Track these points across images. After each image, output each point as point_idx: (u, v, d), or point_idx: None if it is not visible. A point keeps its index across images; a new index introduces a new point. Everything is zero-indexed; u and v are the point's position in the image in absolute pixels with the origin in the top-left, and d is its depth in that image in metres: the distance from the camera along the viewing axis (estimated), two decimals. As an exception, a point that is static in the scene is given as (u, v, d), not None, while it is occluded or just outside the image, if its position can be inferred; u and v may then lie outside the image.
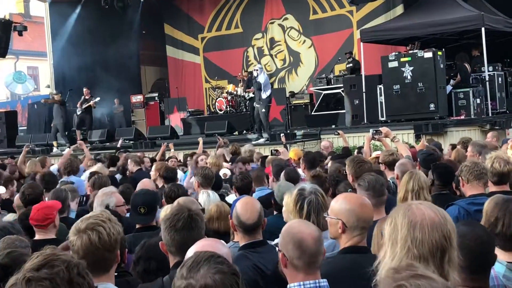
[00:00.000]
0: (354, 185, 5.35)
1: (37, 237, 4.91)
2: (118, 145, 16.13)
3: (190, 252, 2.82)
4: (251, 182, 6.68)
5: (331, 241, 3.84)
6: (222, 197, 6.41)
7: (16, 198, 6.66)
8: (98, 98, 21.06)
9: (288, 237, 3.14)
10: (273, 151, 11.34)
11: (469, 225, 3.03)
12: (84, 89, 21.13)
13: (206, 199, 5.29)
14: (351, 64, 19.88)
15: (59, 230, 5.08)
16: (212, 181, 6.66)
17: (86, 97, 21.01)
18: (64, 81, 23.94)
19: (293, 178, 6.25)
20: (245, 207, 4.07)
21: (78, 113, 21.25)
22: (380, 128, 8.05)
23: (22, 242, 4.15)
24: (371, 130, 8.29)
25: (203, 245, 2.94)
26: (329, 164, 8.13)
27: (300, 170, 7.57)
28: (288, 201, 4.69)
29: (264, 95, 16.66)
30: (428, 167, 6.11)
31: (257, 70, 17.14)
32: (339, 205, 3.55)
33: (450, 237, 2.38)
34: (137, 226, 5.24)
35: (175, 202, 4.60)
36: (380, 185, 4.74)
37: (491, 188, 5.02)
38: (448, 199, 5.03)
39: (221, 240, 3.29)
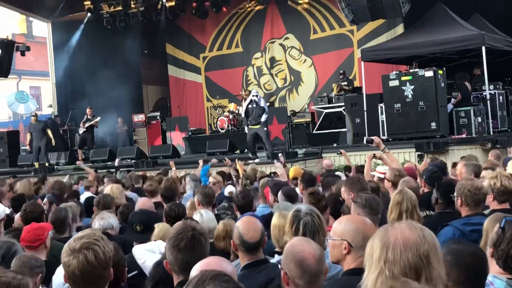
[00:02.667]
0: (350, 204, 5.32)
1: None
2: (116, 164, 16.10)
3: (195, 270, 2.81)
4: (252, 200, 6.67)
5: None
6: (219, 217, 6.39)
7: (17, 217, 6.65)
8: (99, 118, 21.12)
9: (290, 255, 3.14)
10: (271, 173, 11.29)
11: (460, 243, 3.07)
12: (87, 109, 21.20)
13: (199, 219, 5.27)
14: (345, 83, 20.03)
15: (58, 250, 5.05)
16: (212, 200, 6.65)
17: (89, 117, 21.08)
18: (66, 100, 24.03)
19: (291, 197, 6.22)
20: (247, 226, 4.07)
21: (80, 132, 21.28)
22: (372, 137, 8.10)
23: (37, 261, 4.18)
24: (364, 139, 8.37)
25: (208, 263, 2.92)
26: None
27: (298, 190, 7.55)
28: (275, 223, 4.67)
29: (264, 118, 16.79)
30: (433, 185, 6.10)
31: (255, 95, 17.16)
32: (343, 226, 3.50)
33: (428, 256, 2.34)
34: (134, 244, 5.24)
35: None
36: (377, 203, 4.73)
37: (493, 205, 4.98)
38: (451, 218, 5.00)
39: (226, 259, 3.28)
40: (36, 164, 20.25)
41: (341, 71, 20.98)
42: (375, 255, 2.38)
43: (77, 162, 18.86)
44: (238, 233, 4.04)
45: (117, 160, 16.87)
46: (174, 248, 3.41)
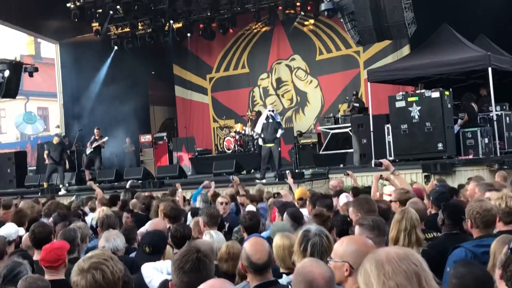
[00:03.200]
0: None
1: (46, 277, 4.87)
2: (127, 186, 16.14)
3: None
4: (259, 221, 6.66)
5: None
6: (228, 238, 6.39)
7: (25, 238, 6.66)
8: (106, 138, 21.20)
9: (300, 276, 3.13)
10: (275, 194, 11.28)
11: (467, 266, 3.03)
12: (95, 130, 21.29)
13: (210, 240, 5.27)
14: (357, 104, 20.02)
15: (68, 270, 5.08)
16: (217, 221, 6.64)
17: (96, 137, 21.17)
18: (74, 121, 24.14)
19: (296, 218, 6.21)
20: (254, 247, 4.05)
21: (88, 152, 21.35)
22: (381, 160, 8.05)
23: (44, 282, 4.18)
24: (372, 162, 8.34)
25: (212, 285, 2.93)
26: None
27: (305, 210, 7.54)
28: (279, 244, 4.67)
29: (280, 134, 16.94)
30: (441, 206, 6.08)
31: (271, 110, 17.32)
32: (344, 247, 3.47)
33: (421, 263, 2.40)
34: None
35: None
36: (384, 225, 4.70)
37: (500, 227, 4.94)
38: (459, 239, 4.97)
39: (230, 281, 3.28)
40: (45, 184, 20.32)
41: (354, 92, 21.02)
42: (372, 275, 2.39)
43: (88, 183, 18.92)
44: (246, 254, 4.02)
45: (129, 182, 16.90)
46: (179, 270, 3.42)
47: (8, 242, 6.39)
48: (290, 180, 12.08)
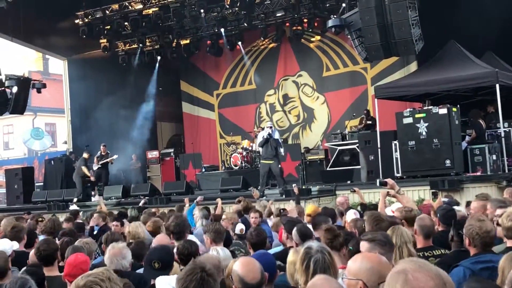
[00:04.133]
0: None
1: None
2: (140, 205, 16.11)
3: None
4: (266, 238, 6.63)
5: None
6: (234, 254, 6.36)
7: (31, 254, 6.64)
8: (116, 156, 21.29)
9: (310, 294, 3.10)
10: (280, 210, 11.22)
11: (480, 282, 3.00)
12: (102, 146, 21.38)
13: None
14: (370, 122, 19.96)
15: None
16: (223, 237, 6.62)
17: (103, 153, 21.25)
18: (81, 137, 24.22)
19: (305, 235, 6.18)
20: (246, 267, 3.97)
21: (95, 168, 21.41)
22: (386, 179, 8.02)
23: None
24: (377, 181, 8.30)
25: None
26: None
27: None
28: (290, 260, 4.68)
29: (282, 151, 16.93)
30: (448, 223, 6.04)
31: (270, 127, 17.32)
32: (358, 265, 3.41)
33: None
34: (152, 282, 5.20)
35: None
36: (391, 238, 4.71)
37: (509, 243, 4.97)
38: (467, 256, 4.95)
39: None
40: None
41: (366, 109, 21.01)
42: None
43: (96, 198, 18.98)
44: (238, 276, 3.93)
45: (142, 202, 16.91)
46: None
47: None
48: (291, 201, 12.03)
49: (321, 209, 8.84)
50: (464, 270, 4.58)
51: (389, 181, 7.94)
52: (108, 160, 21.16)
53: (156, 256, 5.28)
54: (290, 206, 10.27)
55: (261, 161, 17.49)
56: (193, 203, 12.09)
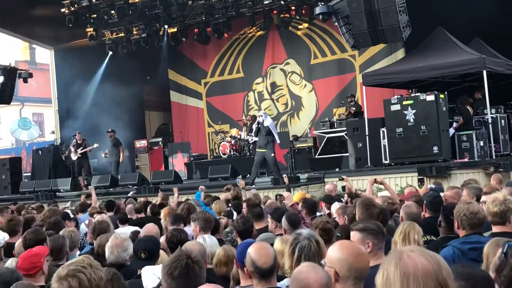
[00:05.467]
0: None
1: None
2: (129, 195, 16.08)
3: None
4: (252, 225, 6.65)
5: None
6: (222, 242, 6.38)
7: (17, 244, 6.61)
8: (96, 145, 21.26)
9: (295, 282, 3.09)
10: (277, 196, 11.29)
11: (469, 267, 3.02)
12: (77, 134, 21.35)
13: (203, 244, 5.26)
14: (354, 108, 19.99)
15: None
16: (212, 225, 6.63)
17: (79, 141, 21.19)
18: (69, 127, 24.10)
19: (294, 222, 6.19)
20: (259, 252, 3.99)
21: (74, 158, 21.36)
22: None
23: None
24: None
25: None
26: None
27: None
28: (276, 248, 4.69)
29: (277, 139, 16.94)
30: (435, 210, 6.06)
31: (261, 115, 17.28)
32: (333, 253, 3.46)
33: (446, 284, 2.32)
34: (138, 272, 5.20)
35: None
36: (378, 229, 4.63)
37: (494, 229, 5.01)
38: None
39: (222, 287, 3.25)
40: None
41: (352, 95, 20.91)
42: (394, 286, 2.32)
43: (89, 187, 19.05)
44: (251, 259, 3.95)
45: (130, 193, 16.88)
46: (168, 276, 3.42)
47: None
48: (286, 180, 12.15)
49: (302, 199, 8.82)
50: (453, 249, 4.65)
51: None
52: (87, 149, 21.12)
53: (142, 246, 5.29)
54: (286, 192, 10.40)
55: (256, 149, 17.50)
56: (198, 191, 12.41)
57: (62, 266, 3.18)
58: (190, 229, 6.83)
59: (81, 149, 21.13)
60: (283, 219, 6.29)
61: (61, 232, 6.70)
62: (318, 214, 8.09)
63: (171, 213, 8.06)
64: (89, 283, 3.04)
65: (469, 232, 4.90)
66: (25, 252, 5.18)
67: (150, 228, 6.70)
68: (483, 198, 6.31)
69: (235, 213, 8.61)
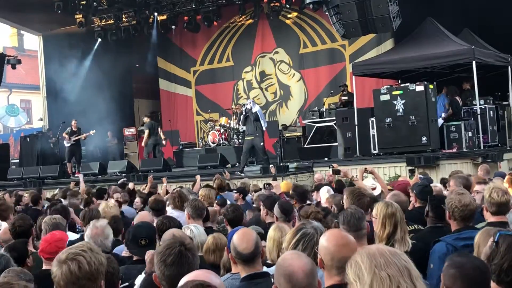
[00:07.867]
0: None
1: (45, 267, 4.95)
2: (119, 183, 16.01)
3: (182, 283, 2.84)
4: (242, 213, 6.66)
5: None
6: (211, 230, 6.38)
7: (2, 232, 6.61)
8: (93, 131, 21.17)
9: (280, 269, 3.10)
10: (265, 185, 11.28)
11: (464, 256, 3.06)
12: (73, 121, 21.21)
13: (190, 234, 5.26)
14: (346, 97, 19.98)
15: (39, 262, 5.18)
16: (203, 213, 6.62)
17: (74, 129, 21.09)
18: (57, 114, 23.98)
19: (287, 210, 6.19)
20: (241, 237, 4.04)
21: (67, 145, 21.25)
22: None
23: (27, 275, 4.25)
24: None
25: (196, 275, 2.95)
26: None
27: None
28: (271, 235, 4.73)
29: (263, 125, 16.92)
30: (425, 199, 6.09)
31: (249, 103, 17.28)
32: (321, 241, 3.51)
33: (410, 261, 2.48)
34: (134, 258, 5.24)
35: (168, 233, 4.61)
36: (357, 219, 4.54)
37: (490, 218, 5.05)
38: (442, 232, 5.01)
39: (215, 272, 3.26)
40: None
41: (345, 84, 20.92)
42: (364, 265, 2.44)
43: (76, 174, 18.89)
44: (233, 245, 4.03)
45: (120, 181, 16.83)
46: (161, 263, 3.43)
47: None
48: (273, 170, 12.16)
49: (292, 185, 8.85)
50: (446, 246, 4.65)
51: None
52: (82, 136, 21.02)
53: (144, 233, 5.31)
54: (275, 182, 10.46)
55: (245, 137, 17.50)
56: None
57: (62, 251, 3.18)
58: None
59: (75, 136, 21.04)
60: (276, 207, 6.30)
61: (45, 219, 6.65)
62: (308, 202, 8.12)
63: (155, 200, 8.06)
64: (89, 267, 3.04)
65: (460, 225, 4.90)
66: (49, 235, 5.28)
67: (144, 216, 6.71)
68: (477, 187, 6.34)
69: (228, 202, 8.59)
